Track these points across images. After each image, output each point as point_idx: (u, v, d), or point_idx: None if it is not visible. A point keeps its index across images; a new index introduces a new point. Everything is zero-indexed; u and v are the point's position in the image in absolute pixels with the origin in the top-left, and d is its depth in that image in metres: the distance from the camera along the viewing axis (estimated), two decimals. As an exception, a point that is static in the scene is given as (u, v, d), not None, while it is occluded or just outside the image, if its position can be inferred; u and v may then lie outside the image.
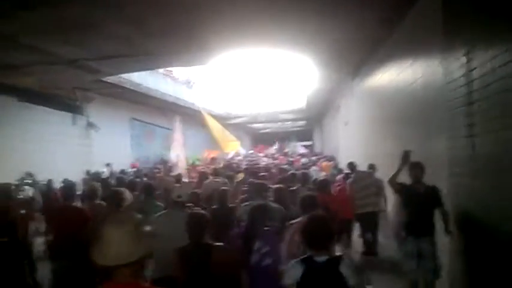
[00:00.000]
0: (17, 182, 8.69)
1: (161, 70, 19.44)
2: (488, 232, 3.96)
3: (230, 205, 5.65)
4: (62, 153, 12.56)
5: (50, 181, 10.20)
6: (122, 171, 13.15)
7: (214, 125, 15.44)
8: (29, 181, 9.53)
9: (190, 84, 24.41)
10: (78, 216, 5.03)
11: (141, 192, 6.31)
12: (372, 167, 8.29)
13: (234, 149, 16.03)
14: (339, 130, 16.82)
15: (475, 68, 4.13)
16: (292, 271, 2.75)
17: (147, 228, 2.03)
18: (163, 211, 4.79)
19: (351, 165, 8.99)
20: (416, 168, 4.99)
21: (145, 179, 9.69)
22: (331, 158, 18.03)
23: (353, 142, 12.85)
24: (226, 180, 7.83)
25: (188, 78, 24.63)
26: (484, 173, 4.05)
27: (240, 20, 6.95)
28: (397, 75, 7.61)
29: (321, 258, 2.71)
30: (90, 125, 14.20)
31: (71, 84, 11.47)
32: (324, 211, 3.52)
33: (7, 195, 6.30)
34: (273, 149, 27.08)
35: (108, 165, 13.81)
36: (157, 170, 13.61)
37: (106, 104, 15.46)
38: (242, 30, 7.66)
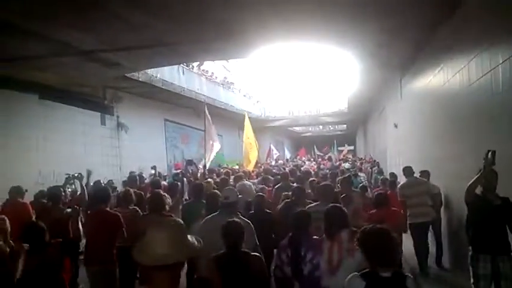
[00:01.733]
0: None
1: (196, 69, 18.83)
2: None
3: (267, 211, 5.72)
4: (89, 155, 11.94)
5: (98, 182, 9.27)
6: (159, 174, 12.42)
7: (248, 134, 14.30)
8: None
9: (227, 84, 23.65)
10: (111, 221, 4.98)
11: (190, 195, 6.35)
12: (424, 173, 7.71)
13: (248, 166, 14.19)
14: (386, 133, 15.39)
15: None
16: (354, 285, 2.62)
17: (190, 234, 1.97)
18: (213, 214, 4.57)
19: (409, 171, 7.74)
20: (491, 175, 4.36)
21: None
22: (374, 163, 17.35)
23: (405, 146, 11.47)
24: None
25: (225, 78, 23.95)
26: None
27: (282, 9, 6.19)
28: (459, 70, 6.46)
29: (386, 273, 2.57)
30: (120, 125, 13.60)
31: (96, 82, 10.82)
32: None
33: (58, 199, 6.15)
34: (317, 153, 25.97)
35: (153, 167, 13.00)
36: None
37: (138, 104, 14.84)
38: (283, 21, 6.86)
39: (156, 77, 13.41)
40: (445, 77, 7.26)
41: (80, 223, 5.08)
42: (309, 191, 6.86)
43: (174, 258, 1.81)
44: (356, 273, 2.66)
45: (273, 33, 7.66)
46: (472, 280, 4.48)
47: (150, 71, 13.41)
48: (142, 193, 6.70)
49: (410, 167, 7.83)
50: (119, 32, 6.73)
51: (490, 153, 4.24)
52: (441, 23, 6.99)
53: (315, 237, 3.88)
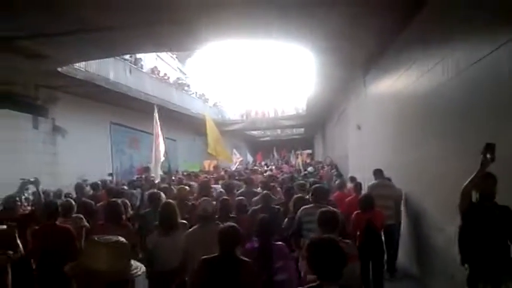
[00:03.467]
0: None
1: (146, 69, 17.55)
2: None
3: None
4: (18, 163, 10.35)
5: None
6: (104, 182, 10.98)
7: (214, 133, 13.44)
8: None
9: (181, 86, 22.41)
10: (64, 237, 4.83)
11: (148, 204, 6.00)
12: (389, 180, 7.60)
13: (230, 161, 14.22)
14: (347, 136, 14.76)
15: None
16: None
17: (145, 247, 2.22)
18: (194, 227, 4.52)
19: (379, 173, 7.63)
20: (488, 181, 3.70)
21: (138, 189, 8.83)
22: (333, 167, 17.32)
23: (369, 149, 10.78)
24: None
25: (178, 79, 22.74)
26: None
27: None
28: (433, 67, 5.83)
29: (331, 287, 2.49)
30: (56, 129, 12.06)
31: (25, 79, 9.35)
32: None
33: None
34: (276, 158, 25.32)
35: (110, 174, 11.57)
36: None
37: (78, 105, 13.34)
38: (235, 14, 6.20)
39: (98, 75, 12.03)
40: (417, 74, 6.62)
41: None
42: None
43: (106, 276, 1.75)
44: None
45: (223, 27, 7.03)
46: None
47: (92, 69, 12.06)
48: (93, 202, 6.59)
49: (380, 170, 7.67)
50: (35, 14, 5.43)
51: (488, 146, 3.51)
52: (412, 15, 6.32)
53: (280, 243, 4.03)
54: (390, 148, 8.70)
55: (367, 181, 8.23)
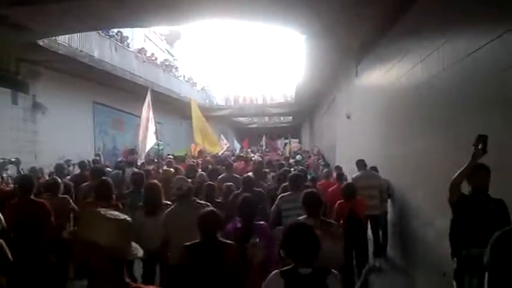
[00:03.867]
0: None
1: (132, 49, 17.04)
2: None
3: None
4: (-5, 140, 9.94)
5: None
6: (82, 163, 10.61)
7: (199, 121, 13.20)
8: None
9: (169, 67, 21.90)
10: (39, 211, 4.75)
11: (132, 185, 6.12)
12: (373, 169, 7.68)
13: (217, 150, 13.88)
14: (336, 125, 14.57)
15: None
16: (273, 284, 2.57)
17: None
18: (171, 206, 4.60)
19: (362, 163, 7.72)
20: (481, 172, 3.55)
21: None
22: (320, 157, 17.35)
23: (358, 138, 10.61)
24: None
25: (166, 60, 22.24)
26: None
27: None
28: (427, 56, 5.64)
29: (306, 270, 2.52)
30: (36, 105, 11.59)
31: (5, 52, 8.87)
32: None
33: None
34: (263, 145, 25.10)
35: (97, 155, 11.26)
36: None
37: (60, 82, 12.82)
38: None
39: (81, 51, 11.57)
40: (410, 65, 6.42)
41: None
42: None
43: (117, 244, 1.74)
44: (277, 271, 2.62)
45: (208, 4, 6.82)
46: None
47: (75, 45, 11.59)
48: (71, 183, 6.59)
49: (363, 160, 7.74)
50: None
51: (480, 138, 3.38)
52: (408, 4, 6.12)
53: (262, 222, 4.10)
54: (380, 139, 8.55)
55: (355, 171, 8.09)
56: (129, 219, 1.87)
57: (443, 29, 5.10)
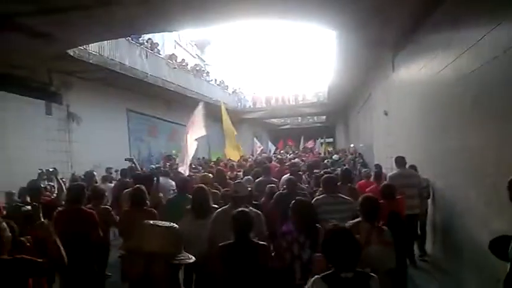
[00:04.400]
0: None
1: (163, 55, 17.08)
2: None
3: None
4: (33, 151, 10.05)
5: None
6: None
7: (227, 123, 13.13)
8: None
9: (200, 72, 21.87)
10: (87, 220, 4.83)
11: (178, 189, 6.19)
12: (412, 167, 7.45)
13: (237, 157, 13.66)
14: (373, 123, 13.99)
15: None
16: None
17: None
18: (224, 207, 4.68)
19: (401, 161, 7.46)
20: None
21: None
22: (357, 155, 16.90)
23: (397, 136, 10.06)
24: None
25: (196, 65, 22.23)
26: None
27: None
28: (471, 47, 5.24)
29: (347, 274, 2.52)
30: (70, 116, 11.69)
31: (34, 62, 8.92)
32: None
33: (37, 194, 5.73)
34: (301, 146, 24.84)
35: (130, 160, 11.44)
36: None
37: (94, 91, 12.96)
38: None
39: (112, 60, 11.59)
40: (455, 53, 5.87)
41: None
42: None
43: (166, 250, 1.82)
44: (318, 276, 2.61)
45: (238, 5, 6.57)
46: None
47: (106, 53, 11.64)
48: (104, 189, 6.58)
49: (403, 157, 7.47)
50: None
51: None
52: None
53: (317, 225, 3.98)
54: (424, 136, 7.98)
55: (394, 170, 7.67)
56: (176, 226, 1.96)
57: (495, 12, 4.61)
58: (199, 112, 9.86)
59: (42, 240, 3.36)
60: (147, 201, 5.27)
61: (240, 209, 3.75)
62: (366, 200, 4.13)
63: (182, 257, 1.90)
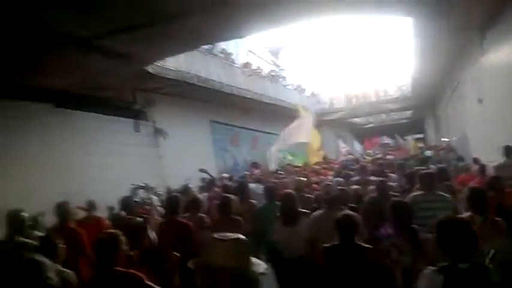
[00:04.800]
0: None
1: (238, 64, 17.35)
2: None
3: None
4: (123, 167, 10.73)
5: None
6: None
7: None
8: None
9: (275, 78, 21.94)
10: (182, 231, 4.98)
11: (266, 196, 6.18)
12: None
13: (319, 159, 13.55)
14: (465, 113, 12.87)
15: None
16: (430, 281, 2.48)
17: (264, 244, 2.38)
18: (319, 211, 4.75)
19: (509, 150, 7.11)
20: None
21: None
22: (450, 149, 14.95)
23: (494, 126, 9.12)
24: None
25: (271, 71, 22.30)
26: None
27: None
28: None
29: (464, 264, 2.45)
30: (157, 131, 12.30)
31: (116, 82, 9.49)
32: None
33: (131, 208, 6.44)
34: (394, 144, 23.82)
35: (203, 170, 11.87)
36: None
37: (176, 106, 13.47)
38: None
39: (188, 73, 12.01)
40: None
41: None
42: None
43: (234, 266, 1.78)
44: (432, 267, 2.54)
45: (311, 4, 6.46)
46: None
47: (183, 67, 12.07)
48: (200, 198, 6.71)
49: (511, 146, 7.10)
50: (101, 10, 5.25)
51: None
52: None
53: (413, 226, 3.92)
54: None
55: (495, 163, 6.96)
56: (242, 237, 1.93)
57: None
58: (308, 117, 10.02)
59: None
60: (233, 209, 5.45)
61: (344, 213, 3.81)
62: (473, 191, 4.02)
63: (248, 268, 1.86)
